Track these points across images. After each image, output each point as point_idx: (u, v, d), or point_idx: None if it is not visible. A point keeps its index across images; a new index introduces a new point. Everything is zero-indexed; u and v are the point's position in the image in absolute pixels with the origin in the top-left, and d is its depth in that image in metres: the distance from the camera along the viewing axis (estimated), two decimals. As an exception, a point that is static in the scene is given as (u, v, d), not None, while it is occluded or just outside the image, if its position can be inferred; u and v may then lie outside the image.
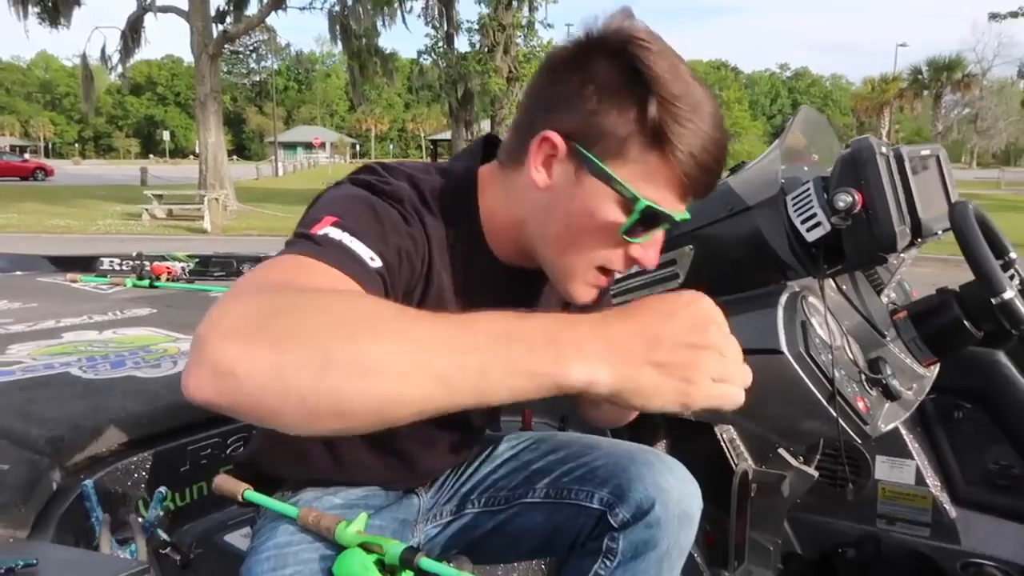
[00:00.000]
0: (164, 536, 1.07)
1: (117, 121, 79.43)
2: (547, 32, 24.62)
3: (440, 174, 0.88)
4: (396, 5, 18.66)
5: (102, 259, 2.85)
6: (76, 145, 78.65)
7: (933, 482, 1.61)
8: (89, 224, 14.65)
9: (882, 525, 1.63)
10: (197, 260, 2.83)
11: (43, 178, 32.81)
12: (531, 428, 1.45)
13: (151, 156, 68.30)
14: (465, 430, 1.06)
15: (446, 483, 1.08)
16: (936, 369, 1.49)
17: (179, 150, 75.40)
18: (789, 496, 1.50)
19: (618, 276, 1.53)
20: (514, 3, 23.65)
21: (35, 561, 0.77)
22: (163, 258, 2.80)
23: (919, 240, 1.36)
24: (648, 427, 1.58)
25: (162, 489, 1.08)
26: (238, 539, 1.19)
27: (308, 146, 55.49)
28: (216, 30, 17.23)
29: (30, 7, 17.08)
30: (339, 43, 19.68)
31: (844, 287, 1.44)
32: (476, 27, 24.25)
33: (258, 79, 72.79)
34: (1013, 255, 1.47)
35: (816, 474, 1.50)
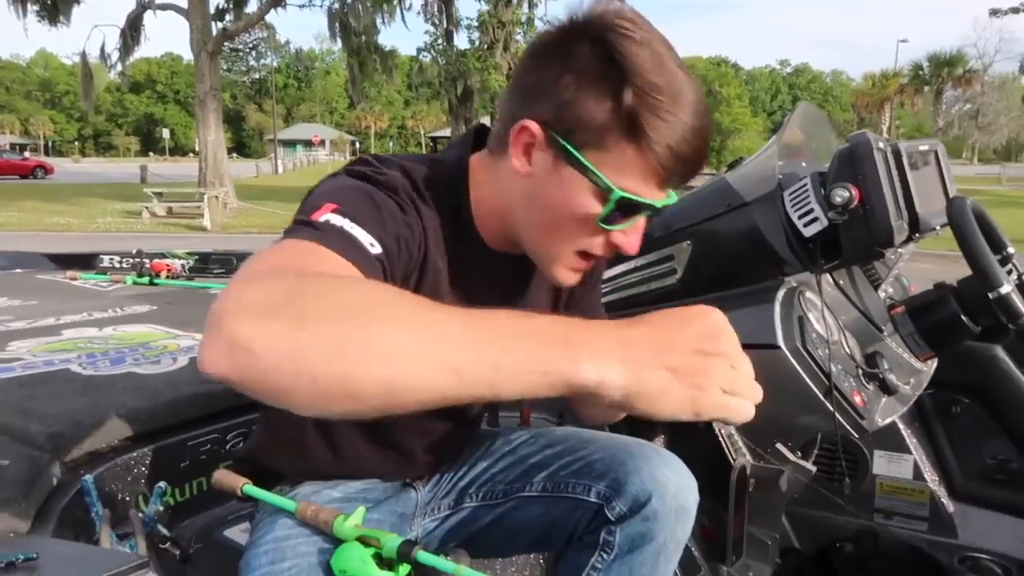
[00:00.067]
0: (164, 531, 1.08)
1: (117, 119, 79.33)
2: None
3: (432, 164, 0.89)
4: (395, 2, 18.66)
5: (102, 256, 2.86)
6: (76, 143, 78.61)
7: (931, 476, 1.62)
8: (89, 222, 14.65)
9: (880, 519, 1.64)
10: (197, 257, 2.84)
11: (43, 176, 32.79)
12: (529, 424, 1.45)
13: (151, 154, 68.27)
14: (463, 423, 1.07)
15: (444, 477, 1.09)
16: (934, 364, 1.49)
17: (179, 148, 75.34)
18: (787, 491, 1.51)
19: (616, 274, 1.54)
20: (513, 0, 23.63)
21: (35, 555, 0.78)
22: (163, 255, 2.80)
23: (917, 235, 1.36)
24: (646, 422, 1.58)
25: (162, 484, 1.08)
26: (238, 534, 1.19)
27: (308, 144, 55.41)
28: (216, 28, 17.21)
29: (29, 5, 17.06)
30: (338, 40, 19.66)
31: (841, 282, 1.44)
32: (476, 24, 24.24)
33: (258, 77, 72.78)
34: (1011, 250, 1.48)
35: (814, 469, 1.50)
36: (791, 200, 1.33)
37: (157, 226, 14.51)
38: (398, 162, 0.86)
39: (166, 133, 67.51)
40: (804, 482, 1.51)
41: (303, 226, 0.71)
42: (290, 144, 57.10)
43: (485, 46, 23.92)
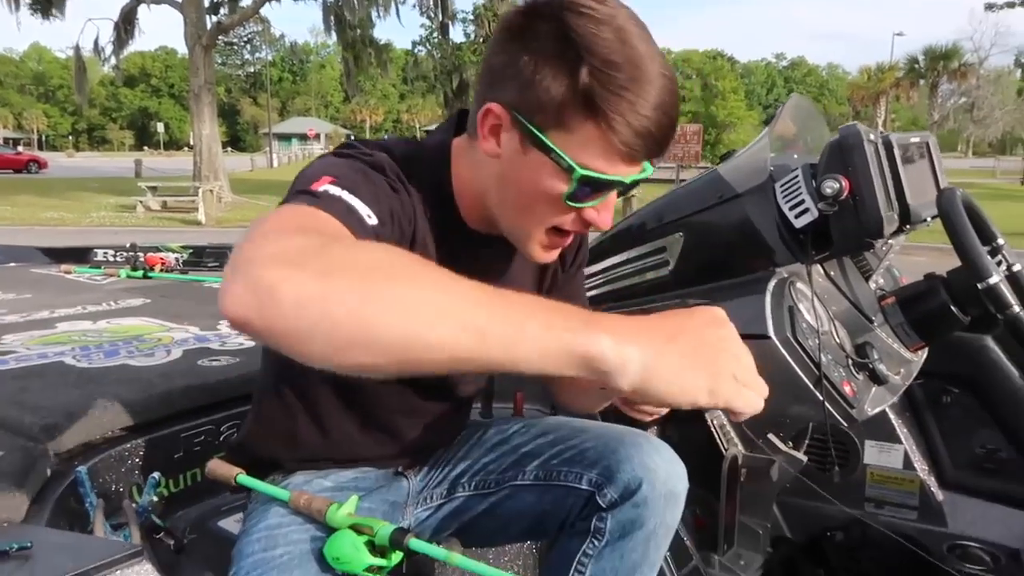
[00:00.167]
0: (158, 521, 1.09)
1: (111, 113, 78.99)
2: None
3: (417, 147, 0.90)
4: (390, -5, 18.57)
5: (96, 250, 2.86)
6: (70, 137, 78.15)
7: (921, 466, 1.63)
8: (83, 216, 14.59)
9: (870, 509, 1.65)
10: (191, 251, 2.84)
11: (37, 170, 32.65)
12: (522, 414, 1.46)
13: (145, 148, 68.02)
14: (454, 407, 1.08)
15: (436, 467, 1.09)
16: (924, 354, 1.50)
17: (173, 142, 75.02)
18: (778, 480, 1.52)
19: (609, 265, 1.55)
20: (509, -7, 23.55)
21: (29, 544, 0.78)
22: (157, 249, 2.80)
23: (907, 227, 1.37)
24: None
25: (155, 475, 1.09)
26: (232, 524, 1.20)
27: (303, 137, 55.21)
28: (210, 21, 17.14)
29: (22, -2, 16.97)
30: (333, 34, 19.60)
31: (832, 273, 1.45)
32: (471, 17, 24.17)
33: (252, 70, 72.48)
34: (1001, 241, 1.48)
35: (805, 459, 1.51)
36: (782, 192, 1.33)
37: (151, 220, 14.45)
38: (384, 145, 0.88)
39: (160, 127, 67.15)
40: (795, 472, 1.53)
41: (302, 195, 0.72)
42: (285, 138, 56.89)
43: (480, 39, 23.85)
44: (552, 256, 0.90)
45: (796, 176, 1.32)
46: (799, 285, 1.35)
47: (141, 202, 15.65)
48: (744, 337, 0.65)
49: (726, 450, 1.55)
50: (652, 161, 0.82)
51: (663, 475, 0.91)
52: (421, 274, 0.59)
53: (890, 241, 1.46)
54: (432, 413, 1.03)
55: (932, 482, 1.62)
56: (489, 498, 1.04)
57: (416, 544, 0.82)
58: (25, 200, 17.29)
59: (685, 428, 1.54)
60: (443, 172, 0.90)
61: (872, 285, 1.52)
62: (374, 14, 19.12)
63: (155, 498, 1.09)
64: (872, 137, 1.30)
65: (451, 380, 1.03)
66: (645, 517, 0.90)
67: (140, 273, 2.54)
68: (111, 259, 2.80)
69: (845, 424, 1.26)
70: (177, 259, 2.76)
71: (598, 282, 1.56)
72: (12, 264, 2.78)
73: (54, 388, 1.28)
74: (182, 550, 1.09)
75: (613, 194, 0.83)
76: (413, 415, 1.02)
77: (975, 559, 1.56)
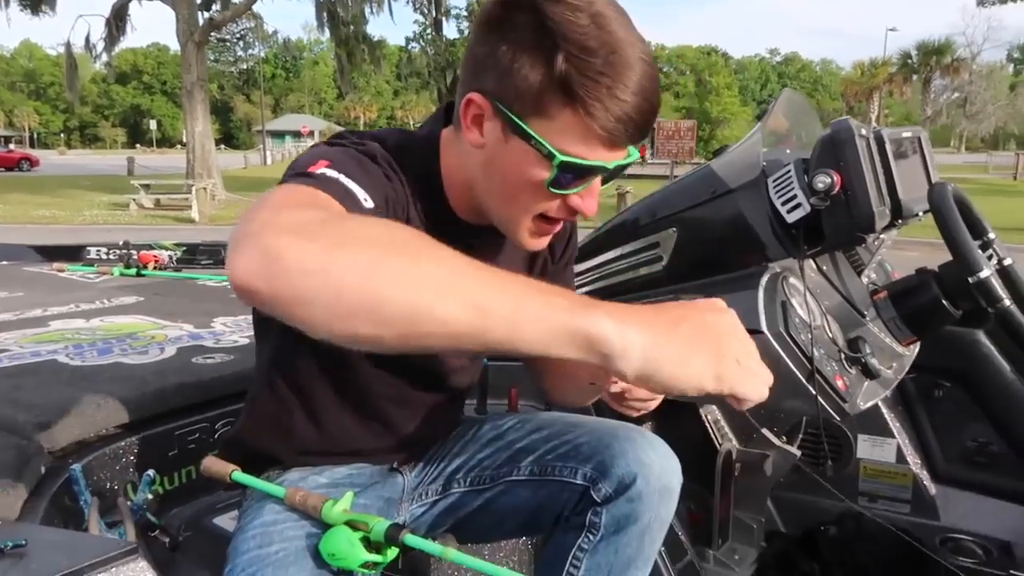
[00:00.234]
0: (153, 519, 1.08)
1: (103, 110, 78.52)
2: (536, 18, 24.44)
3: (408, 138, 0.91)
4: (383, -9, 18.52)
5: (89, 248, 2.85)
6: (62, 135, 77.72)
7: (913, 460, 1.64)
8: (76, 215, 14.52)
9: (864, 502, 1.66)
10: (184, 248, 2.83)
11: (28, 168, 32.49)
12: (517, 410, 1.46)
13: (138, 145, 67.64)
14: (448, 399, 1.08)
15: (431, 463, 1.10)
16: (916, 348, 1.51)
17: (166, 139, 74.69)
18: (772, 475, 1.53)
19: (602, 261, 1.55)
20: (503, -11, 23.48)
21: (24, 542, 0.78)
22: (150, 247, 2.80)
23: (899, 221, 1.38)
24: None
25: (150, 473, 1.08)
26: (227, 522, 1.20)
27: (296, 135, 55.03)
28: (202, 17, 17.05)
29: (12, -6, 16.86)
30: (326, 30, 19.53)
31: (825, 268, 1.45)
32: (465, 13, 24.10)
33: (245, 67, 72.02)
34: (992, 235, 1.49)
35: (798, 453, 1.52)
36: (775, 187, 1.34)
37: (145, 218, 14.39)
38: (376, 135, 0.88)
39: (153, 124, 66.92)
40: (789, 466, 1.54)
41: (300, 176, 0.73)
42: (279, 135, 56.70)
43: (474, 36, 23.80)
44: (542, 243, 0.91)
45: (788, 171, 1.33)
46: (792, 280, 1.35)
47: (134, 200, 15.57)
48: None
49: (720, 445, 1.56)
50: (641, 150, 0.82)
51: (657, 470, 0.92)
52: (427, 249, 0.60)
53: (882, 236, 1.47)
54: (426, 404, 1.04)
55: (924, 476, 1.64)
56: (484, 494, 1.04)
57: (411, 540, 0.83)
58: (17, 198, 17.19)
59: (679, 423, 1.55)
60: (433, 163, 0.91)
61: (864, 280, 1.52)
62: (367, 10, 19.10)
63: (150, 496, 1.08)
64: (864, 132, 1.31)
65: (444, 370, 1.03)
66: (640, 512, 0.91)
67: (133, 271, 2.54)
68: (104, 257, 2.80)
69: (838, 418, 1.27)
70: (170, 257, 2.75)
71: (591, 278, 1.56)
72: (4, 262, 2.77)
73: (48, 386, 1.28)
74: (177, 548, 1.09)
75: (597, 181, 0.83)
76: (407, 406, 1.02)
77: (967, 552, 1.57)
